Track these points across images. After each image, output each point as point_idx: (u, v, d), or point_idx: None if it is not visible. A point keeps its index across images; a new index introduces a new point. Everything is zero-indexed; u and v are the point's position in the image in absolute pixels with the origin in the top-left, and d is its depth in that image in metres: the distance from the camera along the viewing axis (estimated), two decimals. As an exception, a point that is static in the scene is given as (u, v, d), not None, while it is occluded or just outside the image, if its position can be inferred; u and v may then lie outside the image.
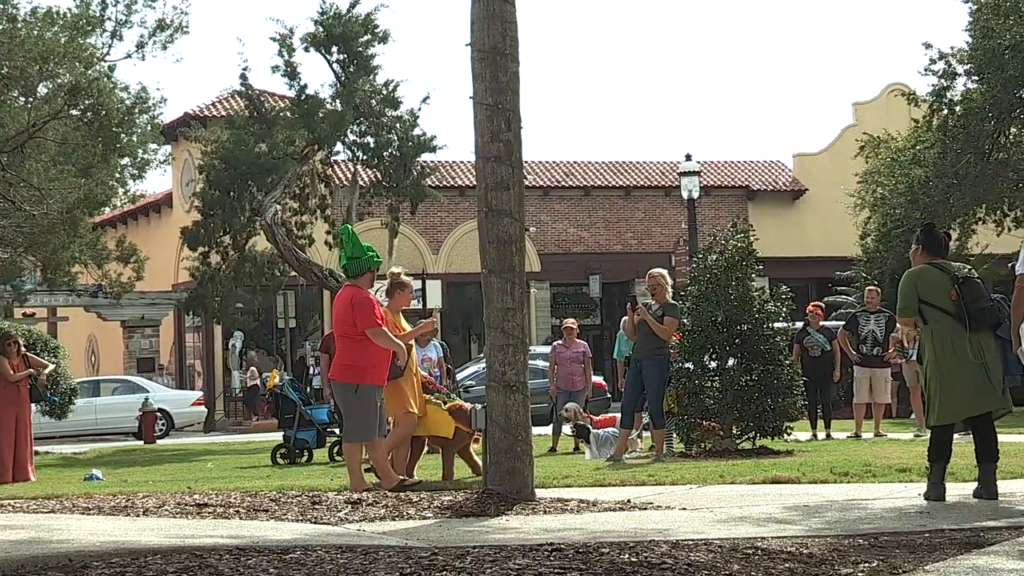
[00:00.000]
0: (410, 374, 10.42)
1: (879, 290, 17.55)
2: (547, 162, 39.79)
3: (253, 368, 35.20)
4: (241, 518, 7.80)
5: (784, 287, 14.31)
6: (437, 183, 30.99)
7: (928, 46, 27.85)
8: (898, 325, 15.94)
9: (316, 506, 8.28)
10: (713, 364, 13.35)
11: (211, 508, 8.25)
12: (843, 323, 17.51)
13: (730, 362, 13.27)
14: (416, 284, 35.33)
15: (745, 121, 71.15)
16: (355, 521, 7.60)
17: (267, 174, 25.62)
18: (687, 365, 13.29)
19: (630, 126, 72.38)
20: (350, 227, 10.77)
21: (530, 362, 9.75)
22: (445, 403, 10.99)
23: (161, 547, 6.09)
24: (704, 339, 13.27)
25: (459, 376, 21.08)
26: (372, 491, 9.30)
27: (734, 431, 13.10)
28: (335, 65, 26.12)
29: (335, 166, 30.25)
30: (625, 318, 13.98)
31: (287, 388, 17.27)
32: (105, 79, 24.66)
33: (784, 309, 13.65)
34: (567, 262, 38.37)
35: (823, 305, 18.20)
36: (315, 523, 7.55)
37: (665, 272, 13.40)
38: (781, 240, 36.41)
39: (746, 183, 40.14)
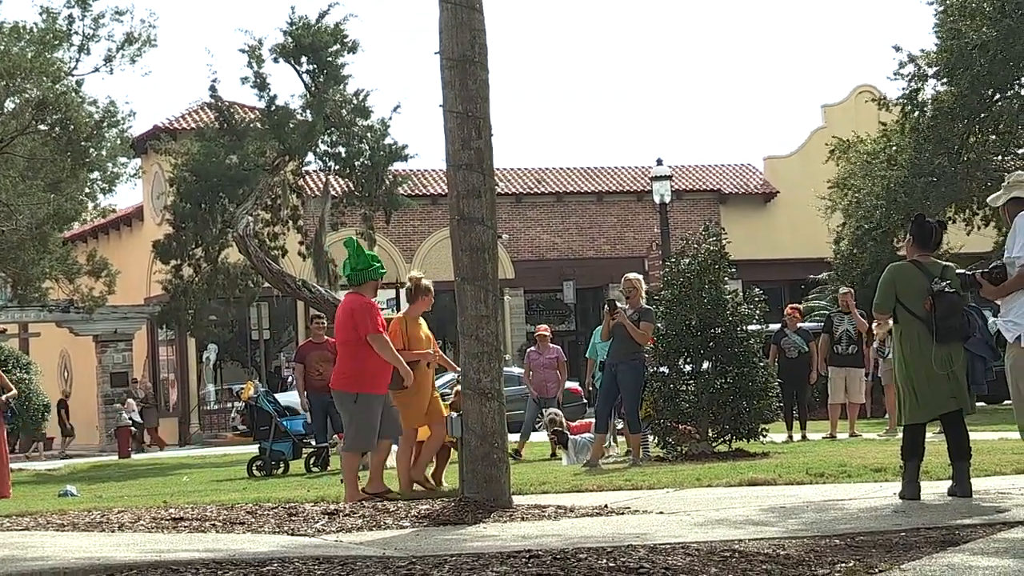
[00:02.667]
0: (423, 385, 10.28)
1: (852, 290, 17.66)
2: (519, 169, 39.82)
3: (131, 400, 33.45)
4: (217, 531, 7.76)
5: (757, 289, 14.36)
6: (409, 192, 31.00)
7: (897, 49, 28.07)
8: (874, 324, 16.09)
9: (293, 518, 8.25)
10: (688, 368, 13.37)
11: (187, 522, 8.21)
12: (822, 325, 17.60)
13: (705, 365, 13.29)
14: (386, 294, 35.30)
15: (715, 125, 71.45)
16: (332, 532, 7.58)
17: (238, 186, 25.56)
18: (662, 369, 13.30)
19: (601, 132, 72.59)
20: (355, 239, 10.63)
21: (504, 369, 9.76)
22: None
23: (136, 562, 6.05)
24: (678, 343, 13.29)
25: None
26: (367, 501, 9.32)
27: (710, 434, 13.13)
28: (305, 75, 26.10)
29: (307, 176, 30.21)
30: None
31: (262, 400, 17.19)
32: (73, 93, 24.57)
33: (757, 311, 13.69)
34: (541, 268, 38.39)
35: (800, 307, 18.29)
36: (292, 535, 7.52)
37: (640, 277, 13.41)
38: (753, 243, 36.52)
39: (717, 187, 40.28)
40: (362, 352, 9.84)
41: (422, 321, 10.67)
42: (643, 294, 13.15)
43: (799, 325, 17.32)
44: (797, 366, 16.64)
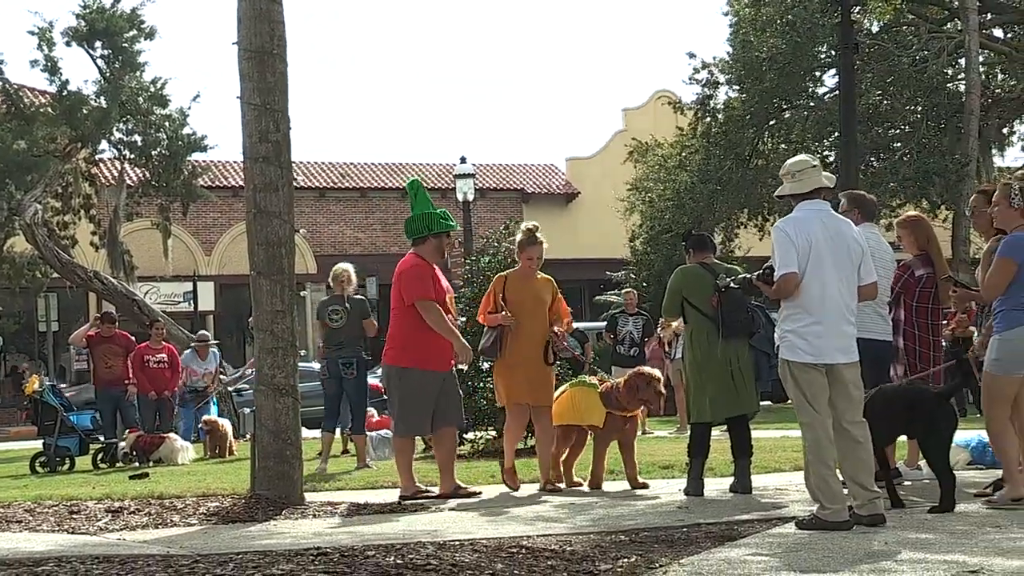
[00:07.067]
0: (517, 357, 9.10)
1: (636, 292, 18.21)
2: (323, 163, 39.46)
3: None
4: (-8, 531, 7.47)
5: (556, 288, 14.53)
6: (209, 183, 30.44)
7: (692, 56, 28.94)
8: (660, 326, 16.58)
9: (74, 516, 8.01)
10: (487, 365, 13.44)
11: (-41, 521, 7.87)
12: (605, 325, 18.04)
13: (502, 363, 13.37)
14: (183, 287, 34.49)
15: (519, 125, 72.16)
16: (115, 530, 7.39)
17: (26, 172, 24.66)
18: (461, 366, 13.31)
19: (406, 128, 72.46)
20: (418, 181, 9.21)
21: (302, 365, 9.36)
22: (600, 383, 9.36)
23: (-99, 564, 5.77)
24: (477, 341, 13.32)
25: (231, 378, 20.58)
26: (425, 494, 8.68)
27: (507, 432, 13.22)
28: (99, 61, 25.38)
29: (100, 164, 29.33)
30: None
31: (47, 394, 16.57)
32: None
33: (555, 310, 13.85)
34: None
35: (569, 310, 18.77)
36: (72, 533, 7.30)
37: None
38: (555, 242, 36.35)
39: (521, 186, 40.72)
40: (409, 321, 8.75)
41: (542, 282, 9.24)
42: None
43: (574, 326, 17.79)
44: (573, 367, 17.00)
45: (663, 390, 9.21)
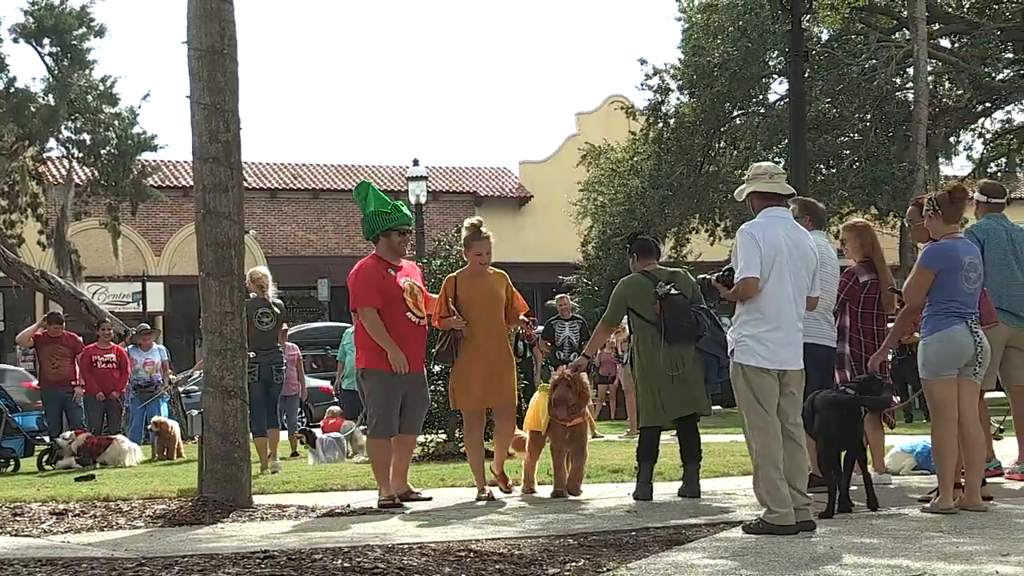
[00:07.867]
0: (483, 354, 8.85)
1: (569, 297, 18.38)
2: (275, 164, 39.28)
3: None
4: (-67, 533, 7.37)
5: (507, 292, 14.57)
6: (159, 183, 30.23)
7: (643, 62, 29.09)
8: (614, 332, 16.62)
9: (18, 518, 7.92)
10: (437, 368, 13.43)
11: (-100, 524, 7.75)
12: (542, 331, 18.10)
13: (453, 368, 13.36)
14: (132, 287, 34.22)
15: (472, 128, 72.16)
16: (60, 533, 7.32)
17: (-29, 170, 24.42)
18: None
19: (358, 130, 72.26)
20: (365, 184, 8.84)
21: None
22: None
23: None
24: (429, 344, 13.31)
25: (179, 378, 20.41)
26: (402, 498, 8.49)
27: (456, 435, 13.24)
28: (47, 58, 25.19)
29: (48, 163, 29.05)
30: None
31: (-8, 395, 16.39)
32: None
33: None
34: (295, 265, 37.92)
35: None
36: (15, 535, 7.24)
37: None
38: (507, 245, 36.80)
39: (473, 189, 40.73)
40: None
41: (494, 277, 9.04)
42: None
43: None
44: (523, 370, 17.06)
45: (579, 391, 8.82)
